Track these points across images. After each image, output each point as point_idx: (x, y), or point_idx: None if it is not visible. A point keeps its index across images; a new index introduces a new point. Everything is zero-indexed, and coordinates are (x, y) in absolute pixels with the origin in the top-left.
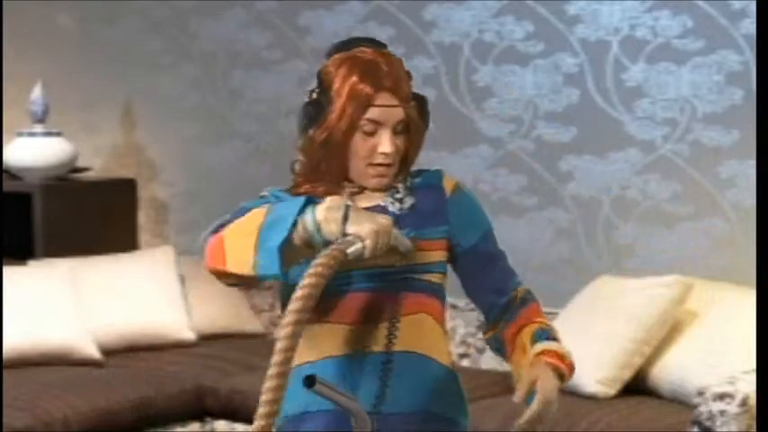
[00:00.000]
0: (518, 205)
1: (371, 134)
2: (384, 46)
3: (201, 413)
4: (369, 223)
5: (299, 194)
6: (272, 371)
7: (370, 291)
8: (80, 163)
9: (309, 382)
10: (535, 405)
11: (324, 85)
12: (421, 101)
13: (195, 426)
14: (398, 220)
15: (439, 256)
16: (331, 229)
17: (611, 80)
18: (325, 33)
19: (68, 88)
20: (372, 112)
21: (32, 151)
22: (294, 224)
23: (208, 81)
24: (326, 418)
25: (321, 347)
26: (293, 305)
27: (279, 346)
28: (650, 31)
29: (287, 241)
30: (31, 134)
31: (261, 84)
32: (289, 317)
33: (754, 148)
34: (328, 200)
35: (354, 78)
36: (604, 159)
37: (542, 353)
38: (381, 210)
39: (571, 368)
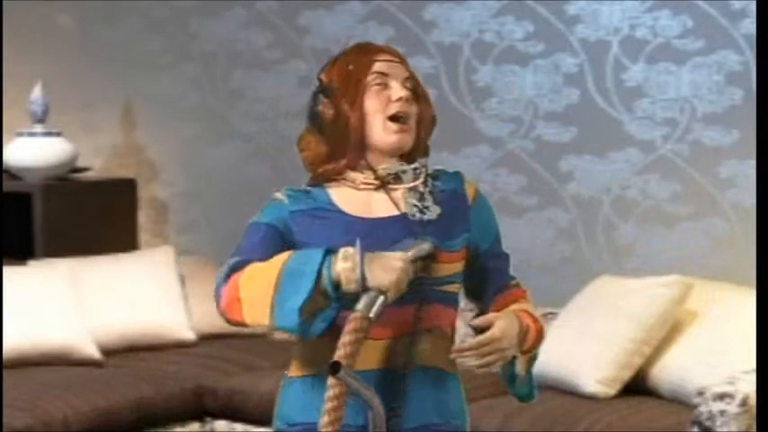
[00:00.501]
0: (518, 205)
1: (382, 87)
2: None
3: (201, 413)
4: (387, 274)
5: (319, 182)
6: None
7: (390, 304)
8: (80, 163)
9: (335, 368)
10: (485, 335)
11: (324, 80)
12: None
13: (195, 426)
14: (421, 229)
15: (460, 266)
16: (350, 288)
17: (611, 80)
18: (325, 33)
19: (68, 88)
20: (378, 66)
21: (32, 151)
22: (314, 281)
23: (208, 81)
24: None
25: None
26: (332, 391)
27: None
28: (650, 31)
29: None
30: (31, 134)
31: (261, 84)
32: (328, 404)
33: (754, 148)
34: (342, 253)
35: (352, 55)
36: (604, 159)
37: (520, 310)
38: (402, 222)
39: (539, 331)
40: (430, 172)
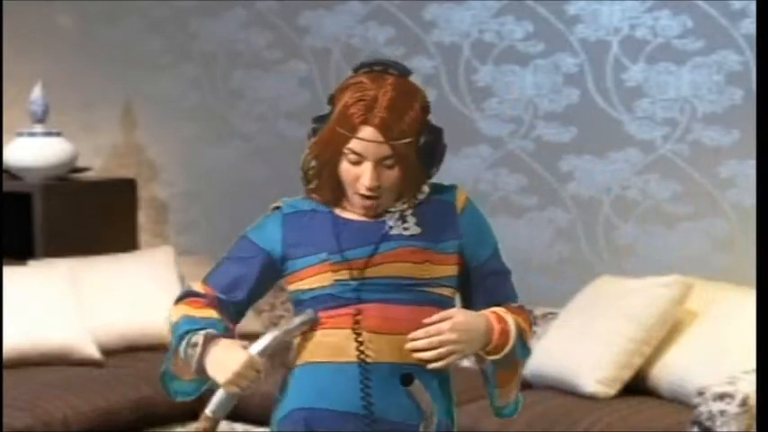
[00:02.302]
0: (518, 205)
1: (356, 164)
2: (408, 73)
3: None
4: (222, 373)
5: (311, 199)
6: None
7: (383, 302)
8: (80, 163)
9: (408, 380)
10: (437, 324)
11: (331, 103)
12: (434, 133)
13: (195, 426)
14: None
15: (451, 270)
16: (190, 375)
17: (611, 80)
18: (325, 33)
19: (68, 88)
20: (354, 144)
21: (32, 151)
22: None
23: (208, 81)
24: (333, 417)
25: (333, 351)
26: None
27: None
28: (650, 31)
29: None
30: (31, 134)
31: (261, 84)
32: None
33: (754, 148)
34: (192, 338)
35: (347, 105)
36: (604, 159)
37: (490, 311)
38: (381, 228)
39: (503, 336)
40: (424, 193)
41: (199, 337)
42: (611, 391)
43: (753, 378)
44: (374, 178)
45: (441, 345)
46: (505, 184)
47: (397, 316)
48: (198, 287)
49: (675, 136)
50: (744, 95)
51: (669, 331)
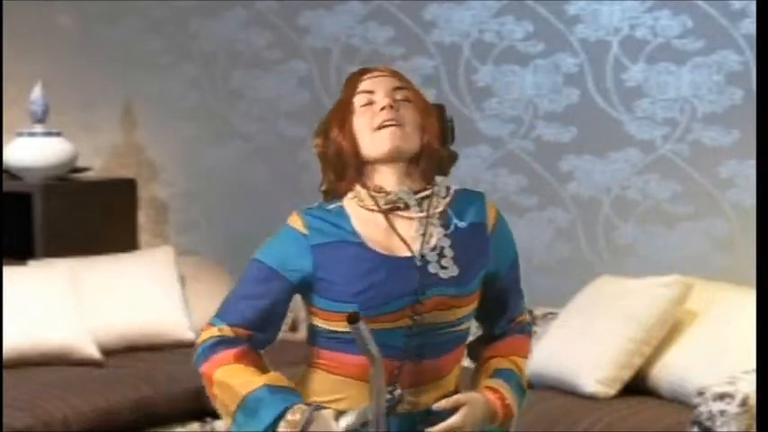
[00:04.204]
0: (518, 205)
1: (369, 105)
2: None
3: (201, 413)
4: None
5: (332, 204)
6: None
7: (415, 355)
8: (80, 163)
9: (354, 318)
10: (447, 422)
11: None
12: (437, 108)
13: (195, 426)
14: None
15: (475, 305)
16: None
17: (611, 80)
18: (325, 33)
19: (68, 88)
20: (363, 84)
21: (32, 151)
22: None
23: (208, 81)
24: None
25: (351, 401)
26: None
27: None
28: (650, 31)
29: None
30: (31, 134)
31: (261, 84)
32: None
33: (754, 148)
34: (290, 414)
35: (346, 82)
36: (604, 159)
37: (488, 387)
38: (420, 268)
39: (507, 411)
40: (450, 195)
41: (297, 415)
42: (611, 391)
43: (753, 378)
44: (389, 98)
45: None
46: (505, 185)
47: (426, 369)
48: (225, 332)
49: (675, 136)
50: (744, 95)
51: (669, 331)
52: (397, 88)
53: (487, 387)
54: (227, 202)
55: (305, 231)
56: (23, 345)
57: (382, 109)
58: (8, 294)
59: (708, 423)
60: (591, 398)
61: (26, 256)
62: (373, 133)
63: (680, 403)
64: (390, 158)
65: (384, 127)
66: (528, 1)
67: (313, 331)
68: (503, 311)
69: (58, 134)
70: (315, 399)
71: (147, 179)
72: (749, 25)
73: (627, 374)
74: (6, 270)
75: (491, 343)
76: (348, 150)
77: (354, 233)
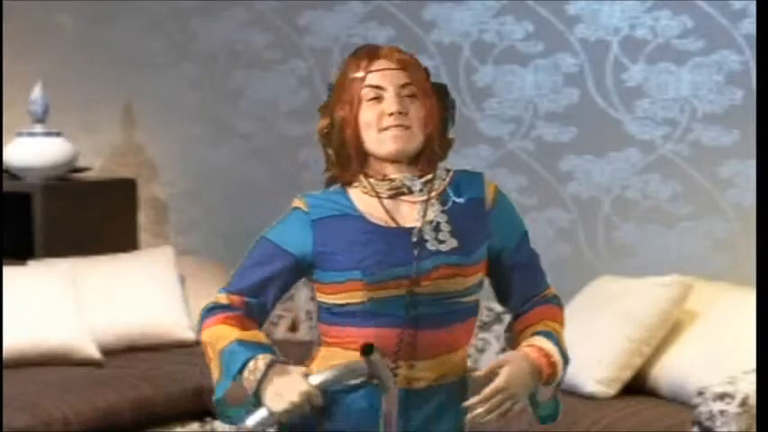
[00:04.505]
0: (518, 205)
1: (377, 100)
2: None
3: (201, 413)
4: (278, 401)
5: (335, 191)
6: None
7: (420, 323)
8: (80, 163)
9: (368, 349)
10: (489, 387)
11: (331, 89)
12: (440, 88)
13: (195, 426)
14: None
15: (480, 276)
16: (244, 390)
17: (611, 80)
18: (325, 33)
19: (68, 88)
20: (371, 78)
21: (32, 151)
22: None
23: (208, 81)
24: None
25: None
26: None
27: None
28: (650, 31)
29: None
30: (31, 134)
31: (261, 84)
32: None
33: (754, 148)
34: (252, 364)
35: (353, 57)
36: (604, 159)
37: (528, 345)
38: (416, 238)
39: (552, 367)
40: (449, 176)
41: (259, 363)
42: (611, 391)
43: (753, 378)
44: (398, 102)
45: (501, 403)
46: (505, 184)
47: (433, 341)
48: (222, 299)
49: (675, 136)
50: (744, 95)
51: (669, 331)
52: (405, 84)
53: (527, 345)
54: (227, 202)
55: (306, 209)
56: (23, 345)
57: (390, 114)
58: (8, 294)
59: (708, 423)
60: (591, 398)
61: (26, 256)
62: (379, 133)
63: (680, 403)
64: (395, 159)
65: (389, 129)
66: (528, 1)
67: (321, 309)
68: (522, 289)
69: (58, 134)
70: None
71: (147, 179)
72: (749, 25)
73: (627, 374)
74: (6, 270)
75: (519, 318)
76: (352, 143)
77: (355, 209)
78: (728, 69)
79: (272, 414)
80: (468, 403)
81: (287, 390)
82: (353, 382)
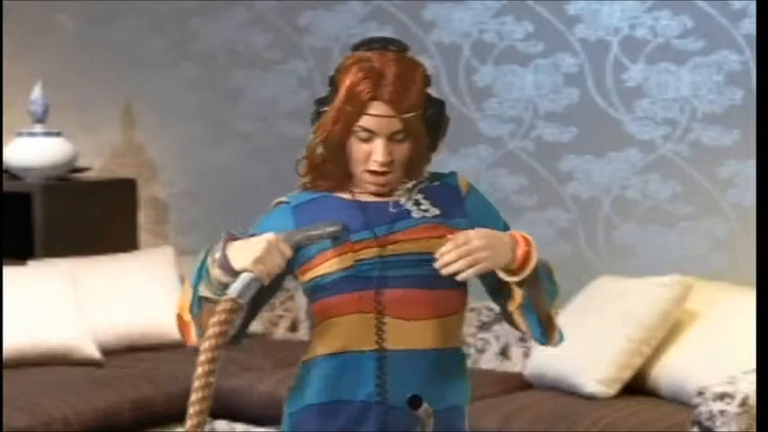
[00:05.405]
0: (518, 205)
1: (366, 141)
2: (405, 48)
3: None
4: (246, 254)
5: (314, 190)
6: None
7: (405, 283)
8: (80, 163)
9: (416, 404)
10: (462, 232)
11: (332, 84)
12: (438, 106)
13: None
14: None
15: None
16: (216, 273)
17: (611, 80)
18: (325, 33)
19: (68, 88)
20: (365, 121)
21: (32, 151)
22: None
23: (208, 81)
24: (347, 408)
25: (349, 339)
26: (198, 369)
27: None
28: (650, 31)
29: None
30: (31, 134)
31: (261, 84)
32: (195, 381)
33: (754, 148)
34: (211, 250)
35: (354, 83)
36: (604, 159)
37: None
38: (397, 207)
39: (526, 254)
40: (426, 177)
41: (217, 244)
42: (611, 391)
43: (753, 378)
44: (387, 153)
45: (468, 254)
46: (505, 184)
47: (419, 301)
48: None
49: (675, 136)
50: (744, 95)
51: (669, 331)
52: (398, 131)
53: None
54: (227, 202)
55: (287, 200)
56: (23, 345)
57: (376, 162)
58: (8, 294)
59: (708, 423)
60: (591, 398)
61: (26, 256)
62: (363, 172)
63: (680, 403)
64: (375, 194)
65: (373, 173)
66: (528, 1)
67: (307, 291)
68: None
69: (58, 134)
70: (324, 349)
71: (147, 179)
72: (749, 25)
73: (627, 374)
74: (6, 270)
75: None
76: (336, 165)
77: (336, 196)
78: (728, 69)
79: (247, 274)
80: (441, 250)
81: (251, 244)
82: (320, 233)
